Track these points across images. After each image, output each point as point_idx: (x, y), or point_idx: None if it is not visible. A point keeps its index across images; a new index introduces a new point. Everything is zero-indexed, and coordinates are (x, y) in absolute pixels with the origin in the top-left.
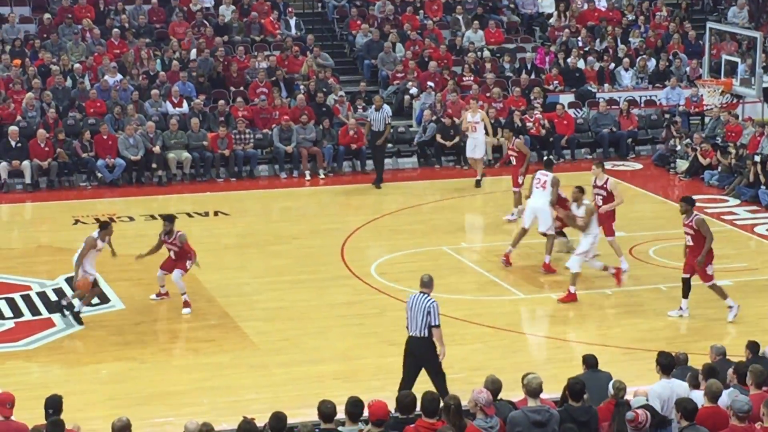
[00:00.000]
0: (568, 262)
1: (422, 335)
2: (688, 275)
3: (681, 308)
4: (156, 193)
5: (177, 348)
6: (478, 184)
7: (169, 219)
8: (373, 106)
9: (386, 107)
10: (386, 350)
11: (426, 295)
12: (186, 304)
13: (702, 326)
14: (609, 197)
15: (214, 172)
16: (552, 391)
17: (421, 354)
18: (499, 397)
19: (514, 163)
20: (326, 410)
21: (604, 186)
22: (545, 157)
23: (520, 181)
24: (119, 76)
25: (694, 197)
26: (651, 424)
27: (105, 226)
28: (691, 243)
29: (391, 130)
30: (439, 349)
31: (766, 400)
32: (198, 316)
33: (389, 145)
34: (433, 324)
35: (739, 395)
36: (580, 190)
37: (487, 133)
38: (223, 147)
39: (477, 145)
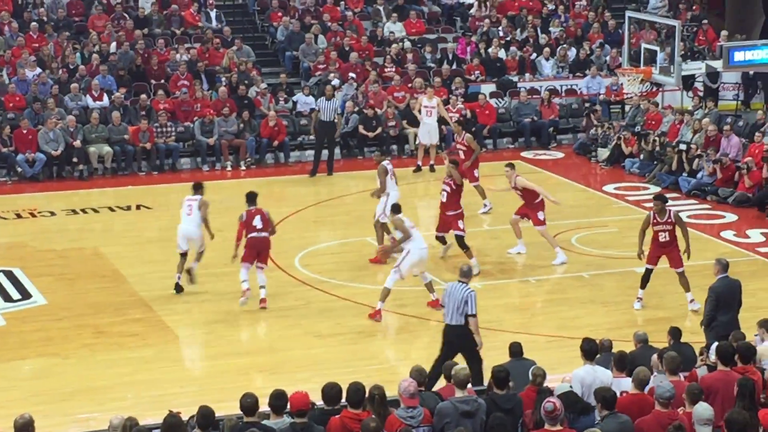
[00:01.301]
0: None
1: (458, 323)
2: (652, 267)
3: (639, 298)
4: (77, 188)
5: (100, 343)
6: (432, 168)
7: (248, 197)
8: (324, 96)
9: (338, 98)
10: (311, 342)
11: (464, 285)
12: (259, 299)
13: (624, 313)
14: (525, 194)
15: (135, 165)
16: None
17: (458, 341)
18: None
19: (462, 156)
20: (247, 404)
21: (515, 187)
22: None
23: (476, 174)
24: (38, 70)
25: (615, 185)
26: (574, 411)
27: (200, 186)
28: (668, 239)
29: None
30: (476, 339)
31: (687, 387)
32: (121, 310)
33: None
34: (469, 313)
35: (663, 381)
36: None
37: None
38: (144, 140)
39: (431, 131)
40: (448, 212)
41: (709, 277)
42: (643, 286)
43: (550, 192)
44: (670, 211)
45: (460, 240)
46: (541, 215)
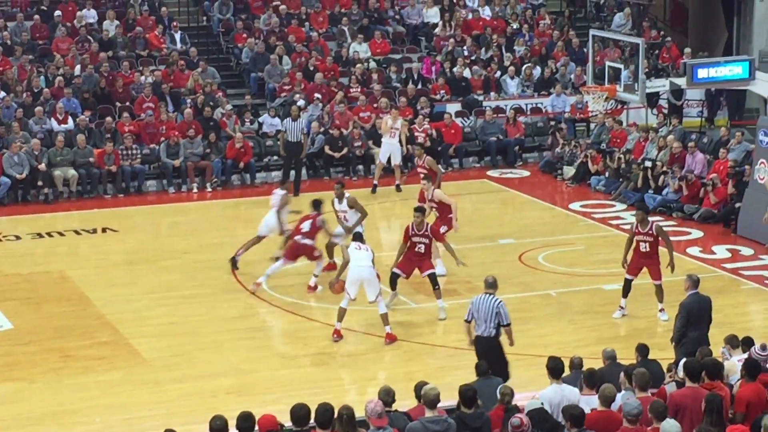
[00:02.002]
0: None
1: (489, 335)
2: (632, 277)
3: (621, 307)
4: (42, 211)
5: (67, 367)
6: (398, 188)
7: (313, 202)
8: (290, 117)
9: (303, 118)
10: (279, 363)
11: (492, 296)
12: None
13: (592, 330)
14: (440, 207)
15: (101, 188)
16: (446, 399)
17: (489, 352)
18: (393, 408)
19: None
20: (216, 426)
21: (431, 199)
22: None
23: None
24: (2, 94)
25: (581, 203)
26: (543, 429)
27: (285, 181)
28: (648, 249)
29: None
30: (510, 342)
31: (651, 404)
32: (88, 333)
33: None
34: (503, 323)
35: (631, 398)
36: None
37: (399, 141)
38: (110, 163)
39: (393, 152)
40: (424, 259)
41: (679, 293)
42: (624, 295)
43: (516, 210)
44: (652, 222)
45: (433, 277)
46: (443, 229)
